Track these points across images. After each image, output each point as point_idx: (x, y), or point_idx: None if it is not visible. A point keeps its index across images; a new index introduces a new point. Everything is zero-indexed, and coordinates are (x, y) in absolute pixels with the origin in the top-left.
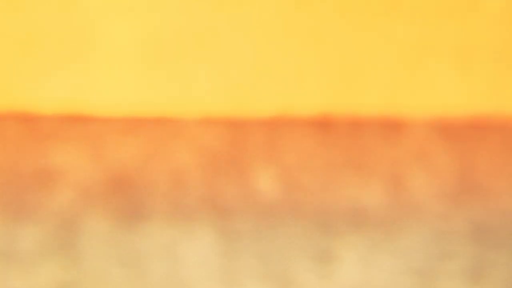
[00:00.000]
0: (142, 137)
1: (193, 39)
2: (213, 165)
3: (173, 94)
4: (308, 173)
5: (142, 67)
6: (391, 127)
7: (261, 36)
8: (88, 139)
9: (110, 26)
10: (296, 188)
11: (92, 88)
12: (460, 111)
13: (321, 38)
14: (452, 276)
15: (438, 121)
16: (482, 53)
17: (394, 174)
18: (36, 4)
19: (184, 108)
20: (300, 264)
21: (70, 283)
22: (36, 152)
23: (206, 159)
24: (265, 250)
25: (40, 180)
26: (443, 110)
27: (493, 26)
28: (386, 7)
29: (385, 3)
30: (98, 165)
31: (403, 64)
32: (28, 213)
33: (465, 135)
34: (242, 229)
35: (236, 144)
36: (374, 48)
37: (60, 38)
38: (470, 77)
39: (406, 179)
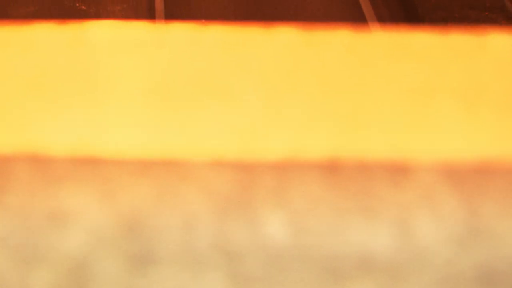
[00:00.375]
0: (152, 180)
1: (202, 82)
2: (223, 209)
3: (182, 136)
4: (317, 217)
5: (151, 109)
6: (398, 171)
7: (270, 80)
8: (99, 181)
9: (119, 68)
10: (305, 232)
11: (102, 129)
12: (467, 154)
13: (327, 81)
14: None
15: (445, 164)
16: (489, 96)
17: (401, 218)
18: (44, 45)
19: (194, 150)
20: None
21: None
22: (47, 194)
23: (216, 202)
24: None
25: (51, 223)
26: (449, 153)
27: (500, 68)
28: (392, 49)
29: (391, 45)
30: (109, 208)
31: (409, 107)
32: (39, 256)
33: (472, 179)
34: (252, 273)
35: (246, 188)
36: (380, 91)
37: (69, 79)
38: (476, 120)
39: (413, 223)
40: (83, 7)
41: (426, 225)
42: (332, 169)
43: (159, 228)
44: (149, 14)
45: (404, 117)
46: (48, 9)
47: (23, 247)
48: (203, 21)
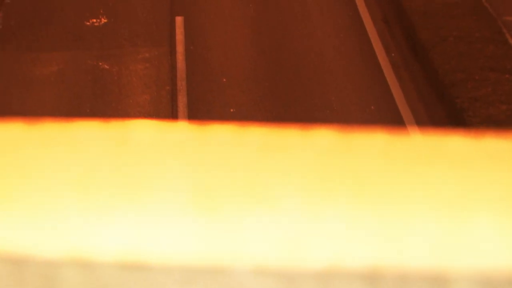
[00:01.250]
0: (197, 287)
1: (243, 186)
2: None
3: (225, 243)
4: None
5: (195, 215)
6: (436, 281)
7: (308, 184)
8: None
9: (162, 171)
10: None
11: (148, 235)
12: (504, 265)
13: (366, 187)
14: None
15: (482, 275)
16: None
17: None
18: (88, 144)
19: (236, 258)
20: None
21: None
22: None
23: None
24: None
25: None
26: (486, 263)
27: None
28: (429, 154)
29: (428, 150)
30: None
31: (446, 216)
32: None
33: None
34: None
35: None
36: (418, 198)
37: (114, 181)
38: None
39: None
40: (106, 66)
41: None
42: (372, 279)
43: None
44: (171, 73)
45: (441, 226)
46: (71, 68)
47: None
48: (224, 80)
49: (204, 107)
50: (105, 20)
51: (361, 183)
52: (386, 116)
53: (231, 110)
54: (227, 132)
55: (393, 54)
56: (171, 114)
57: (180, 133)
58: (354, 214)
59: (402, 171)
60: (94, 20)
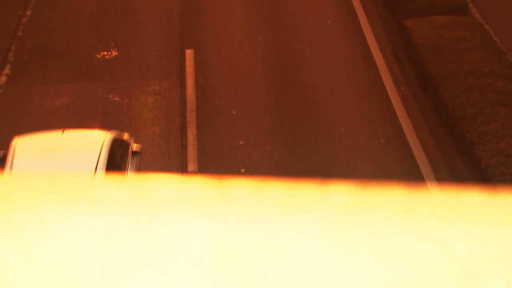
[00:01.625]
0: None
1: (263, 247)
2: None
3: None
4: None
5: (215, 276)
6: None
7: (327, 241)
8: None
9: (182, 228)
10: None
11: None
12: None
13: (385, 247)
14: None
15: None
16: None
17: None
18: (109, 205)
19: None
20: None
21: None
22: None
23: None
24: None
25: None
26: None
27: None
28: (446, 210)
29: (445, 206)
30: None
31: (461, 276)
32: None
33: None
34: None
35: None
36: (432, 257)
37: (135, 241)
38: None
39: None
40: (116, 99)
41: None
42: None
43: None
44: (181, 105)
45: (459, 286)
46: (82, 101)
47: None
48: (234, 112)
49: (214, 139)
50: (116, 53)
51: (380, 241)
52: (395, 150)
53: (241, 142)
54: (246, 188)
55: (402, 88)
56: (180, 146)
57: (199, 189)
58: (373, 273)
59: (418, 227)
60: (105, 53)
